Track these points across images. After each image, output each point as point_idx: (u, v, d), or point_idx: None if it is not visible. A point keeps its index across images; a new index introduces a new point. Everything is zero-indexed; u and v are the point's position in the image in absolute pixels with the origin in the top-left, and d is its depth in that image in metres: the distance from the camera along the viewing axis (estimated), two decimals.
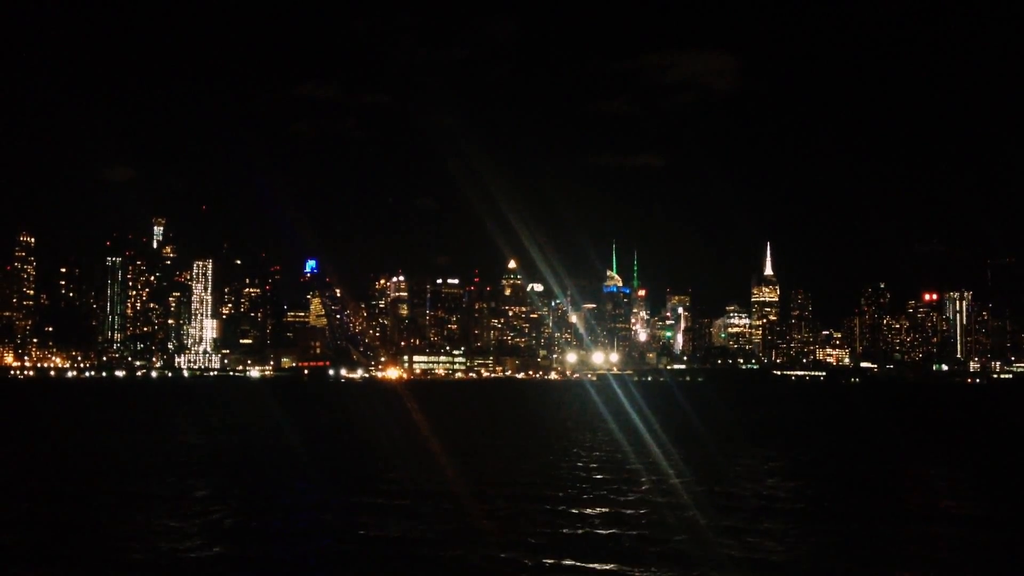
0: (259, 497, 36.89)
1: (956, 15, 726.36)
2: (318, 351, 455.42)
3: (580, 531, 29.53)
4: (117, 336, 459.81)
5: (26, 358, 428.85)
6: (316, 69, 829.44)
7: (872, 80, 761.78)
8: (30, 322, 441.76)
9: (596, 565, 24.98)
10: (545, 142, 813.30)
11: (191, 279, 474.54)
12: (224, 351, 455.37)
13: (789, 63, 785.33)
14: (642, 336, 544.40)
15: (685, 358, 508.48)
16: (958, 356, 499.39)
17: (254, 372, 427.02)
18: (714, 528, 29.72)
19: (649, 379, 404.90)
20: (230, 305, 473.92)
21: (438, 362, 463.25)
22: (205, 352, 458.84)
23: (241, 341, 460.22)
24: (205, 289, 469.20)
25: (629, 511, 33.11)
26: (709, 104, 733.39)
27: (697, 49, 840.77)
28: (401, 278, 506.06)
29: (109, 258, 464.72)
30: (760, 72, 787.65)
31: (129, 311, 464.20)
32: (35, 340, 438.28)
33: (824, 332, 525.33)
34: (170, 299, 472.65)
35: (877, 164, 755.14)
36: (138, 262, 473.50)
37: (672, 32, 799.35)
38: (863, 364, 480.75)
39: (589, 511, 33.15)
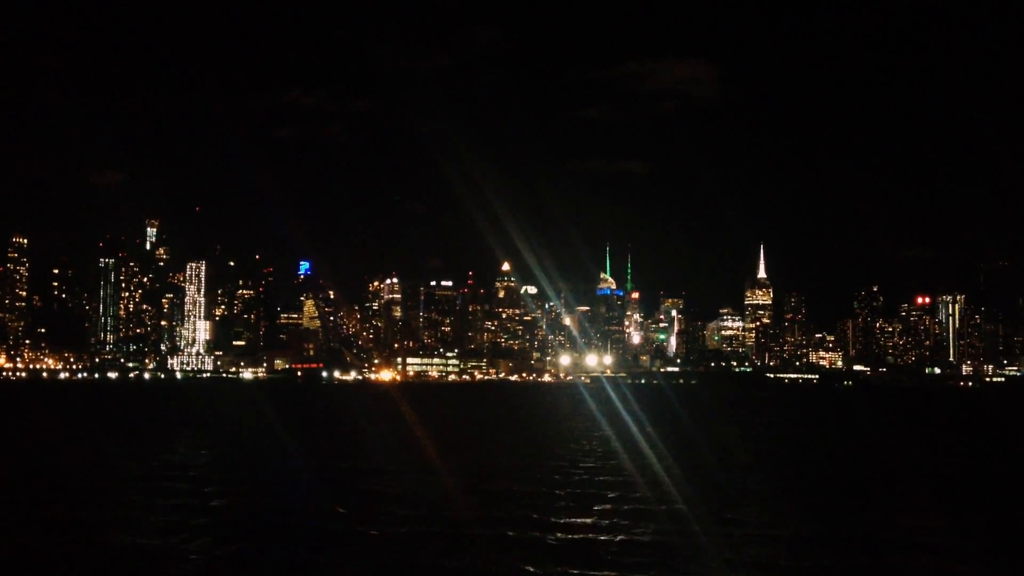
0: (253, 498, 36.86)
1: (947, 18, 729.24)
2: (311, 353, 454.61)
3: (574, 540, 29.47)
4: (110, 338, 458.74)
5: (18, 359, 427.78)
6: (301, 77, 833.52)
7: (866, 82, 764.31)
8: (23, 323, 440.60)
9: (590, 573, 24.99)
10: (530, 148, 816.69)
11: (184, 281, 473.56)
12: (217, 353, 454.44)
13: (769, 70, 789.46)
14: (635, 339, 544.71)
15: (679, 361, 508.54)
16: (951, 359, 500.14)
17: (247, 374, 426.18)
18: (712, 538, 29.70)
19: (643, 381, 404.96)
20: (223, 307, 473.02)
21: (432, 364, 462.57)
22: (198, 354, 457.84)
23: (234, 343, 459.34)
24: (198, 291, 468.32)
25: (623, 521, 32.86)
26: (690, 111, 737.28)
27: (674, 58, 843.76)
28: (395, 280, 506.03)
29: (102, 260, 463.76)
30: (739, 80, 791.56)
31: (122, 313, 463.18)
32: (27, 342, 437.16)
33: (817, 335, 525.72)
34: (163, 301, 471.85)
35: (870, 168, 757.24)
36: (131, 264, 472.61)
37: (649, 41, 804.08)
38: (856, 367, 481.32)
39: (582, 520, 33.09)
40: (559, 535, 29.40)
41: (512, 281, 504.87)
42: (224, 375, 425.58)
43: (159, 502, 35.60)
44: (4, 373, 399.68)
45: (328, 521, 31.70)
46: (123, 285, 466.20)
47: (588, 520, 32.20)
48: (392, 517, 32.18)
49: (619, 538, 29.05)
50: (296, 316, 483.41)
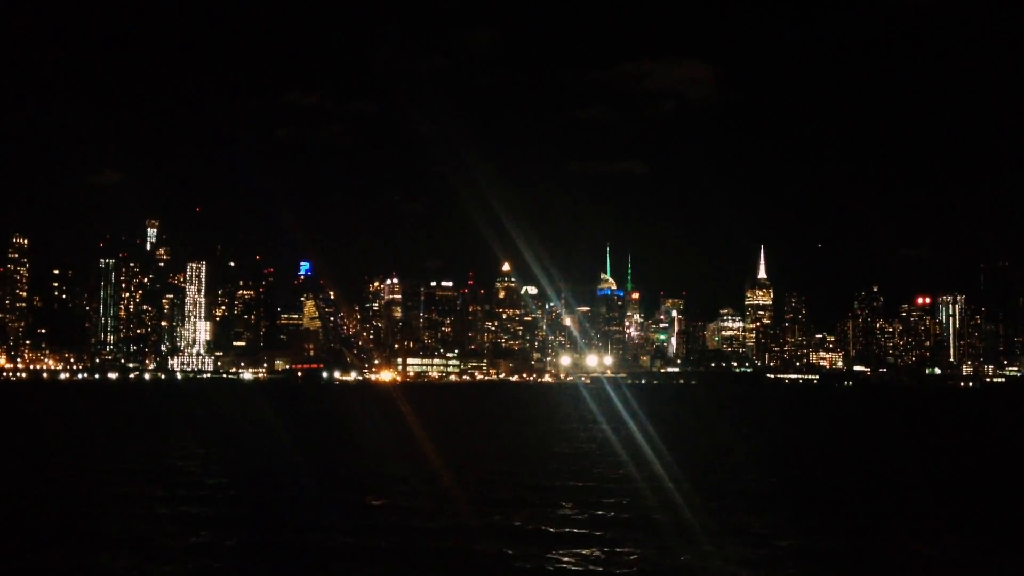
0: (253, 498, 36.72)
1: (947, 18, 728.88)
2: (312, 353, 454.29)
3: (572, 553, 29.27)
4: (110, 338, 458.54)
5: (19, 360, 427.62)
6: (300, 78, 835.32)
7: (865, 83, 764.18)
8: (23, 324, 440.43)
9: None
10: (529, 149, 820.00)
11: (184, 281, 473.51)
12: (217, 353, 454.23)
13: (767, 71, 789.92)
14: (636, 339, 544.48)
15: (679, 361, 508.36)
16: (951, 360, 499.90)
17: (247, 374, 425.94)
18: (716, 549, 29.57)
19: (643, 382, 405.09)
20: (223, 307, 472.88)
21: (432, 364, 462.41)
22: (198, 354, 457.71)
23: (234, 343, 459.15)
24: (198, 291, 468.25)
25: (624, 533, 32.33)
26: (688, 112, 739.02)
27: (672, 59, 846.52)
28: (395, 280, 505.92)
29: (102, 260, 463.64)
30: (736, 81, 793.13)
31: (122, 313, 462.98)
32: (28, 342, 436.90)
33: (818, 335, 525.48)
34: (163, 301, 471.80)
35: (870, 168, 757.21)
36: (131, 264, 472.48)
37: (646, 42, 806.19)
38: (856, 368, 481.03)
39: (581, 531, 32.87)
40: (555, 549, 28.59)
41: (512, 281, 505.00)
42: (224, 376, 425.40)
43: (141, 509, 34.98)
44: (4, 373, 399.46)
45: (316, 534, 31.14)
46: (123, 285, 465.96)
47: (587, 531, 31.59)
48: (384, 528, 31.53)
49: (619, 551, 28.65)
50: (296, 316, 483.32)
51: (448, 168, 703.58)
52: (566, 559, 26.83)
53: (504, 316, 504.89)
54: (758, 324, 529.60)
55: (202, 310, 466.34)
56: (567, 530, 31.02)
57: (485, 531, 30.55)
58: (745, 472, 48.41)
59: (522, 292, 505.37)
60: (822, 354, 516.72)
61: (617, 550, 27.98)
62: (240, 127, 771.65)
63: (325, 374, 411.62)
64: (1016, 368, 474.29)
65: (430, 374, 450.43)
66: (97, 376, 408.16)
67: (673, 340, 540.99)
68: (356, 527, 31.35)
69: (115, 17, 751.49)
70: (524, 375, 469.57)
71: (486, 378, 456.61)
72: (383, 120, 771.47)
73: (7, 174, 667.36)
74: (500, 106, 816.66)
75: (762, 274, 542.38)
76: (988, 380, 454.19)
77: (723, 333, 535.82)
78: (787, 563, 26.64)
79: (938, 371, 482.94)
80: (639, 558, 26.92)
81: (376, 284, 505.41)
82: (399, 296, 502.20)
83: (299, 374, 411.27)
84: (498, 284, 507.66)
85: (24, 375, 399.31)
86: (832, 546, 29.09)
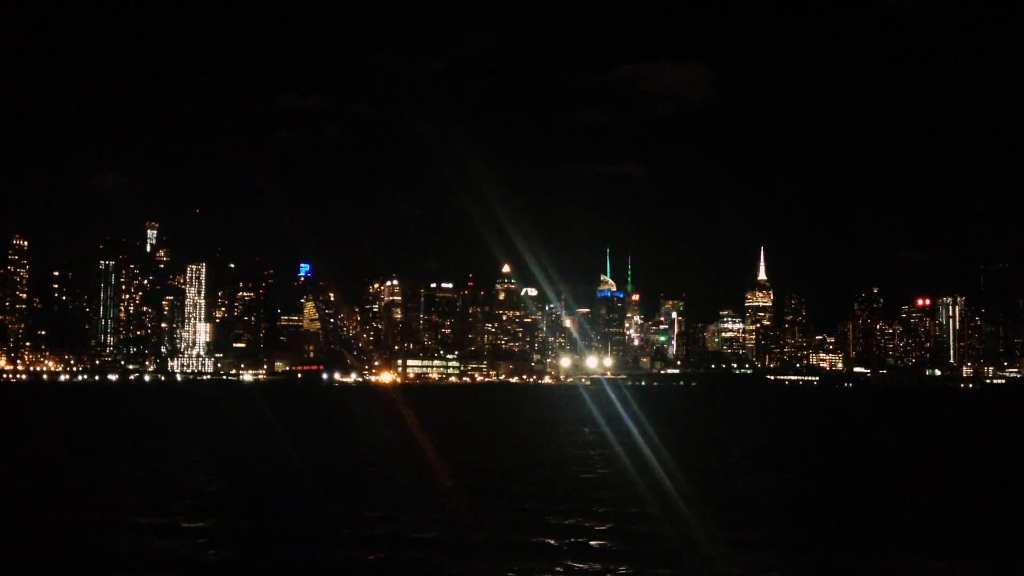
0: (254, 501, 36.68)
1: (946, 19, 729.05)
2: (312, 355, 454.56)
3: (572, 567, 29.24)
4: (110, 340, 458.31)
5: (19, 362, 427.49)
6: (298, 80, 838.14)
7: (864, 84, 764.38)
8: (23, 326, 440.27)
9: None
10: (527, 151, 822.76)
11: (184, 283, 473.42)
12: (217, 355, 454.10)
13: (764, 72, 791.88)
14: (636, 341, 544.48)
15: (679, 363, 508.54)
16: (951, 361, 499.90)
17: (247, 376, 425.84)
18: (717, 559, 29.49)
19: (643, 384, 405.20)
20: (223, 309, 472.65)
21: (432, 366, 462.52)
22: (198, 356, 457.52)
23: (234, 345, 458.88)
24: (198, 293, 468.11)
25: (625, 546, 31.90)
26: (686, 114, 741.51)
27: (669, 61, 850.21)
28: (395, 282, 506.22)
29: (102, 262, 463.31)
30: (734, 82, 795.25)
31: (122, 315, 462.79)
32: (28, 344, 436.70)
33: (818, 337, 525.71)
34: (163, 303, 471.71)
35: (870, 169, 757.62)
36: (131, 266, 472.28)
37: (644, 44, 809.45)
38: (856, 369, 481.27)
39: (581, 539, 32.80)
40: (552, 556, 28.27)
41: (512, 283, 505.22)
42: (224, 377, 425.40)
43: (138, 520, 34.41)
44: (4, 375, 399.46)
45: (312, 546, 30.86)
46: (123, 287, 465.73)
47: (581, 538, 31.36)
48: (377, 539, 30.93)
49: (615, 556, 28.49)
50: (296, 318, 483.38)
51: (447, 170, 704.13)
52: (557, 569, 26.79)
53: (504, 318, 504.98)
54: (758, 326, 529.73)
55: (202, 312, 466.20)
56: (563, 537, 30.86)
57: (481, 542, 30.31)
58: (743, 475, 48.32)
59: (522, 294, 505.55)
60: (822, 355, 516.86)
61: (612, 555, 27.93)
62: (239, 129, 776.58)
63: (325, 375, 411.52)
64: (1016, 370, 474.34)
65: (430, 376, 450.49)
66: (97, 378, 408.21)
67: (673, 342, 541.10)
68: (351, 537, 31.01)
69: (115, 19, 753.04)
70: (524, 377, 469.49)
71: (486, 380, 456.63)
72: (382, 122, 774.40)
73: (7, 175, 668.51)
74: (498, 108, 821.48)
75: (762, 275, 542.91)
76: (988, 382, 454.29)
77: (723, 335, 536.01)
78: (784, 570, 26.60)
79: (938, 372, 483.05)
80: (635, 565, 26.84)
81: (376, 286, 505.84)
82: (399, 298, 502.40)
83: (299, 376, 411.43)
84: (498, 285, 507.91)
85: (24, 377, 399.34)
86: (831, 557, 28.98)
